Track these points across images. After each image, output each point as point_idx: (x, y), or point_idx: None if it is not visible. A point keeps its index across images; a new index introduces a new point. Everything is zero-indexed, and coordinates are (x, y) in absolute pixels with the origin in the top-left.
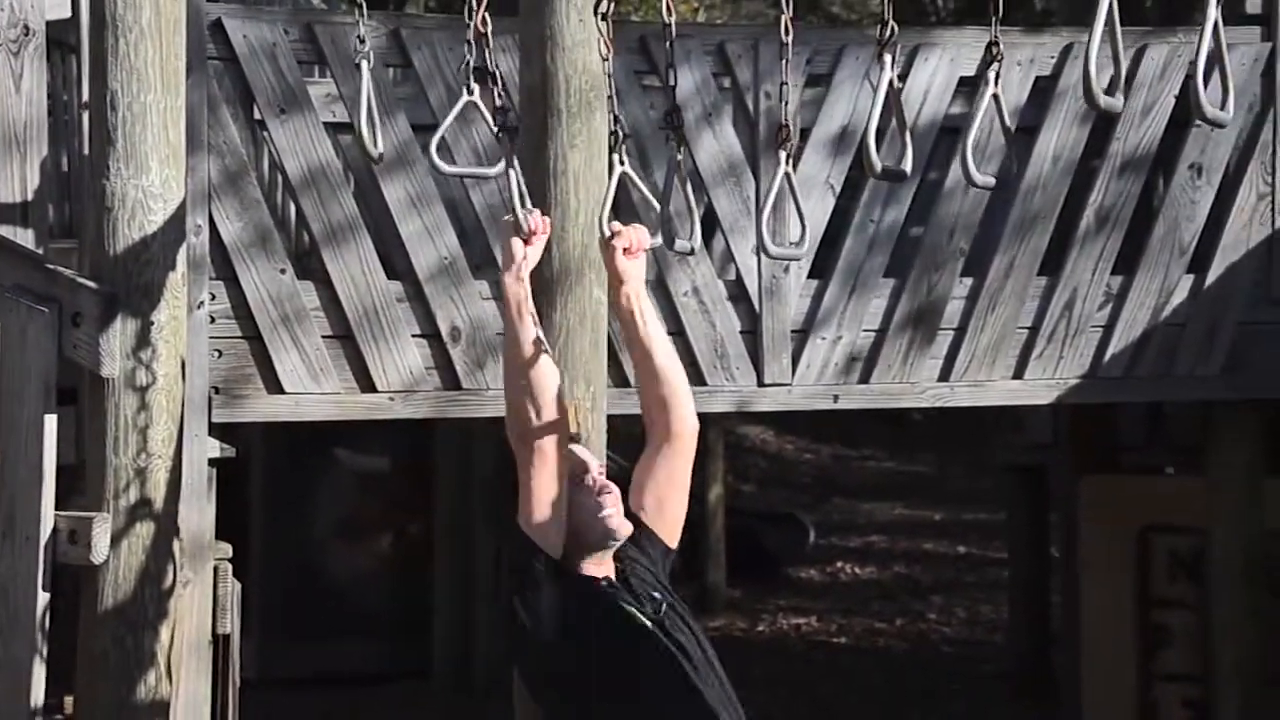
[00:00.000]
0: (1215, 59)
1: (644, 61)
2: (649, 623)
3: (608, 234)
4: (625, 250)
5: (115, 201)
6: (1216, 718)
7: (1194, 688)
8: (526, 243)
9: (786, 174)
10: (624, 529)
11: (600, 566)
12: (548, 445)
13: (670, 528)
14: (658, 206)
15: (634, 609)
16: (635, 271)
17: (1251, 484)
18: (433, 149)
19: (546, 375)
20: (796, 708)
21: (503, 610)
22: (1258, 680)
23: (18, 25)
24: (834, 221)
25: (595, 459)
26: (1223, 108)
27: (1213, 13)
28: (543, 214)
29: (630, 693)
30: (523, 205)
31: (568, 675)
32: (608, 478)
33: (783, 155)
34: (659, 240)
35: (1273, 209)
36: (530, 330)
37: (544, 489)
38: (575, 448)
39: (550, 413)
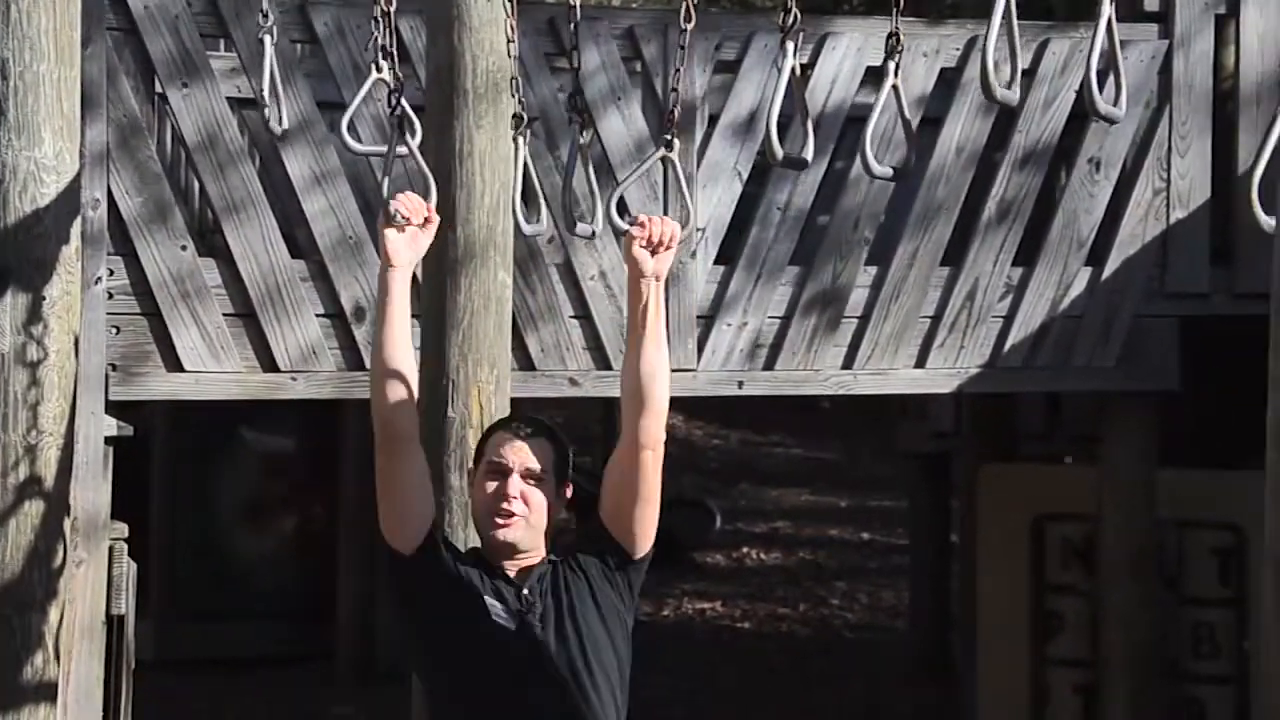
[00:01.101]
0: (1110, 56)
1: (553, 44)
2: (502, 620)
3: (521, 219)
4: (646, 243)
5: (6, 173)
6: (1105, 703)
7: (1084, 673)
8: (399, 229)
9: (665, 158)
10: (510, 542)
11: (506, 553)
12: (399, 439)
13: (628, 535)
14: (539, 193)
15: (494, 601)
16: (652, 266)
17: (1144, 474)
18: (343, 127)
19: (404, 375)
20: (700, 692)
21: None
22: (1146, 667)
23: None
24: (741, 208)
25: (519, 468)
26: (1115, 104)
27: (1106, 9)
28: (425, 200)
29: (454, 680)
30: (413, 191)
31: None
32: (570, 497)
33: (669, 139)
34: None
35: (1167, 204)
36: (390, 329)
37: (395, 484)
38: (506, 447)
39: (402, 412)
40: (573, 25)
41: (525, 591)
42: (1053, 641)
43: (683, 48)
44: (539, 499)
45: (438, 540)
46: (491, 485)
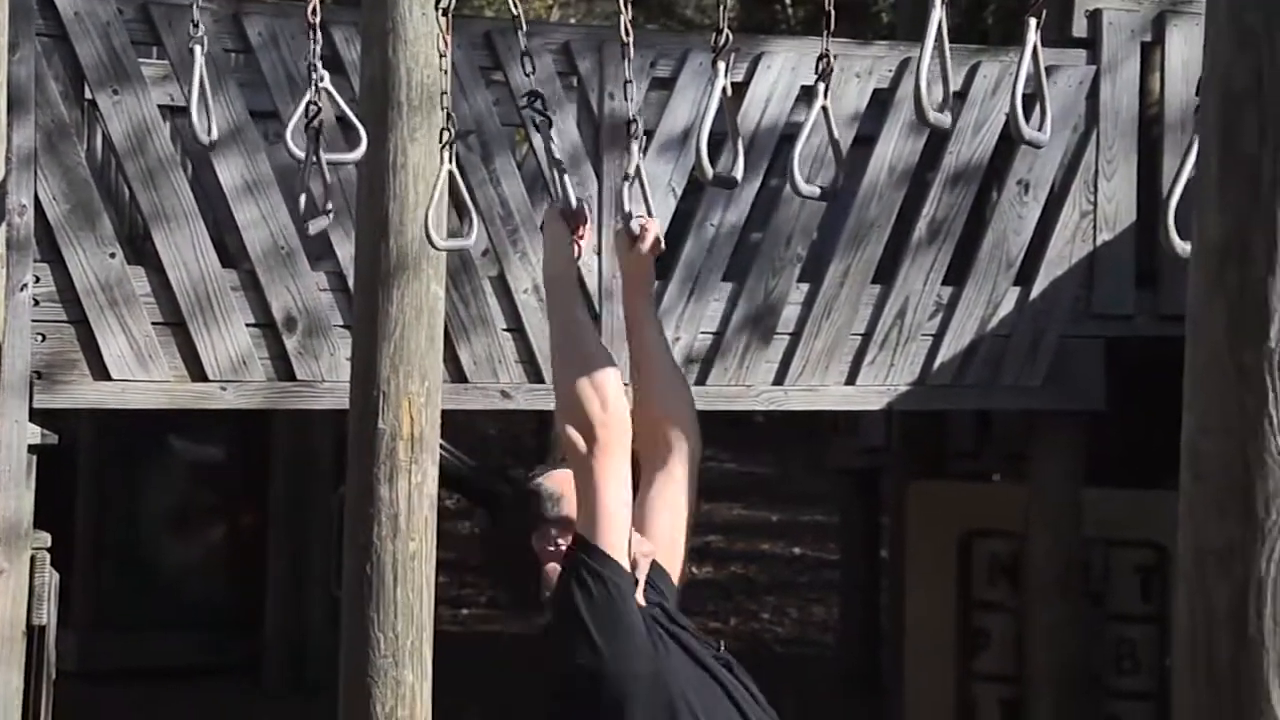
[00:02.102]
0: (1036, 82)
1: (489, 57)
2: (711, 658)
3: (434, 232)
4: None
5: None
6: (1029, 718)
7: (1010, 688)
8: (576, 233)
9: (629, 173)
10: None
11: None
12: (615, 438)
13: (679, 562)
14: (472, 211)
15: (695, 642)
16: (639, 268)
17: (1070, 493)
18: (288, 135)
19: (604, 356)
20: None
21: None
22: (1070, 683)
23: None
24: (675, 224)
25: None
26: (1040, 129)
27: (1032, 36)
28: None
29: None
30: (566, 198)
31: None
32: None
33: (635, 148)
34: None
35: (1094, 226)
36: (581, 314)
37: (617, 493)
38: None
39: (618, 398)
40: (519, 32)
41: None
42: (979, 657)
43: (627, 60)
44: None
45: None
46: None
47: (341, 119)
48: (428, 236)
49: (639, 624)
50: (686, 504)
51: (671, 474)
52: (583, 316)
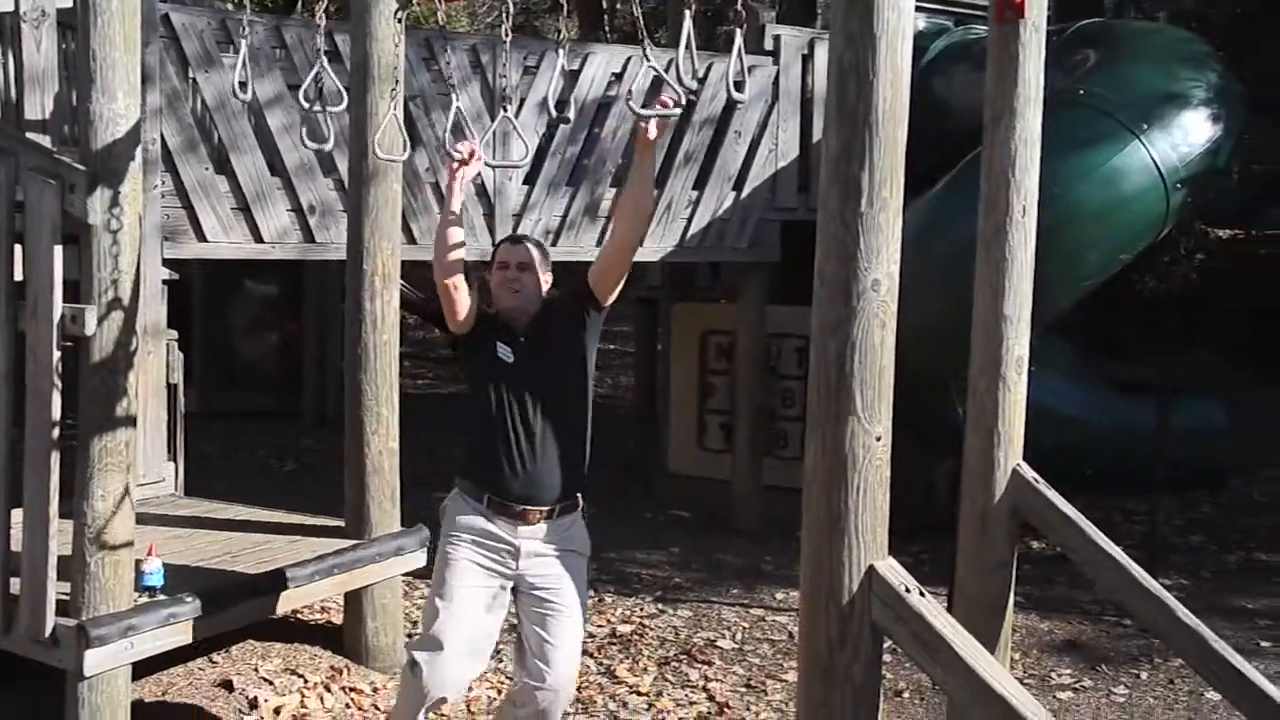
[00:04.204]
0: (741, 71)
1: (427, 51)
2: (507, 356)
3: (456, 149)
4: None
5: (95, 118)
6: (735, 433)
7: (726, 418)
8: (464, 162)
9: (508, 117)
10: (515, 308)
11: (518, 315)
12: (455, 285)
13: (605, 291)
14: (407, 140)
15: (503, 345)
16: (649, 136)
17: (760, 308)
18: (301, 95)
19: (455, 240)
20: None
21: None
22: (759, 414)
23: (38, 10)
24: (538, 155)
25: (515, 261)
26: (740, 91)
27: (738, 41)
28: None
29: (481, 392)
30: (457, 140)
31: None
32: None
33: (509, 109)
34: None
35: (776, 158)
36: (455, 212)
37: (454, 304)
38: (504, 248)
39: (457, 265)
40: (446, 42)
41: (521, 338)
42: (709, 400)
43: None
44: (531, 280)
45: (475, 321)
46: (500, 274)
47: (336, 87)
48: (374, 151)
49: None
50: (611, 262)
51: (610, 243)
52: (452, 221)
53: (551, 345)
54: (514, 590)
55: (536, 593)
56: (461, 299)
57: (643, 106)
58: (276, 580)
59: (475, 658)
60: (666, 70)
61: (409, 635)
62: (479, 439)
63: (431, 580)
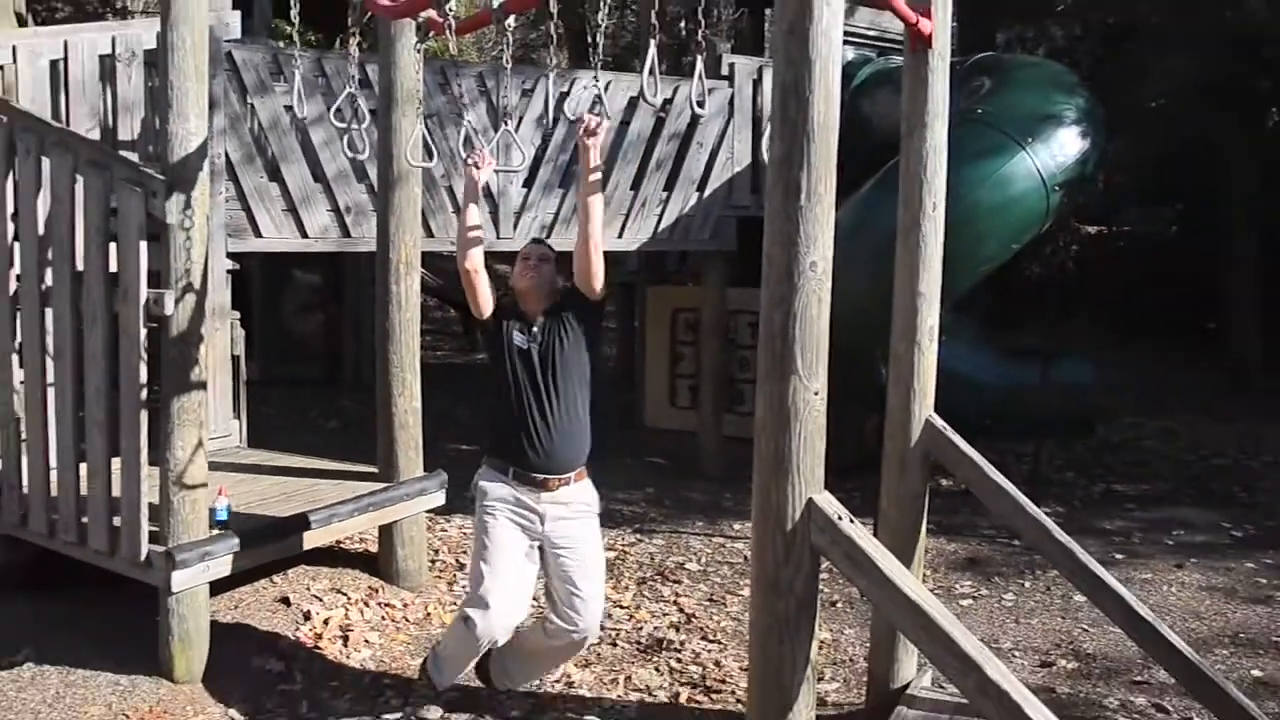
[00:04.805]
0: (702, 92)
1: (442, 77)
2: (524, 344)
3: (411, 158)
4: (586, 131)
5: (172, 136)
6: (700, 393)
7: (692, 380)
8: (478, 167)
9: (509, 131)
10: (531, 288)
11: (533, 302)
12: (475, 271)
13: (589, 289)
14: (433, 150)
15: (519, 333)
16: (585, 139)
17: (721, 289)
18: (331, 114)
19: (478, 236)
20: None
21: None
22: (720, 376)
23: (129, 51)
24: (534, 163)
25: (535, 256)
26: (701, 108)
27: (699, 67)
28: (482, 149)
29: (502, 374)
30: (472, 150)
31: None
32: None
33: (510, 124)
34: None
35: (732, 163)
36: (474, 210)
37: (476, 290)
38: (526, 247)
39: (478, 255)
40: (507, 71)
41: (534, 327)
42: (678, 366)
43: (505, 81)
44: (547, 270)
45: (496, 309)
46: (522, 264)
47: (368, 109)
48: (406, 159)
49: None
50: (590, 263)
51: (576, 244)
52: (473, 213)
53: (560, 334)
54: (540, 550)
55: (559, 552)
56: (482, 285)
57: (576, 118)
58: (323, 516)
59: (518, 607)
60: (639, 90)
61: (430, 562)
62: (501, 419)
63: (473, 546)
